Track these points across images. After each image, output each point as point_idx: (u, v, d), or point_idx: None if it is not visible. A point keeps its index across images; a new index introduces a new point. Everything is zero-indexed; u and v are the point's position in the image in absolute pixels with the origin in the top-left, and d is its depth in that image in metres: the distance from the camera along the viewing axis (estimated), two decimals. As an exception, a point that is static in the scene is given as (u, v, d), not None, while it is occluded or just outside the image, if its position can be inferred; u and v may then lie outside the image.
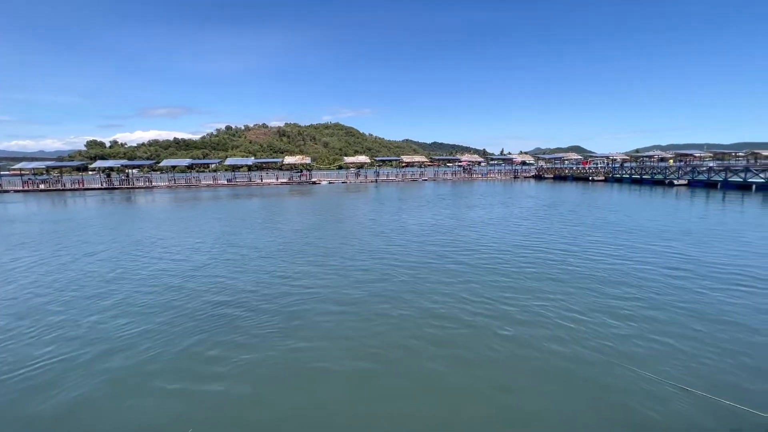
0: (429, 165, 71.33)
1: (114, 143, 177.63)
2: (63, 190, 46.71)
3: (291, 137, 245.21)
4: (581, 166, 63.60)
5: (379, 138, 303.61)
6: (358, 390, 4.39)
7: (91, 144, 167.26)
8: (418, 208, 21.45)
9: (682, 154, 76.09)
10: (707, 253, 9.79)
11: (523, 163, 69.04)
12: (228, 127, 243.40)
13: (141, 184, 51.47)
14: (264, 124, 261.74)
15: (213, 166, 78.70)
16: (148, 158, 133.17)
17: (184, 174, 61.25)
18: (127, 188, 48.43)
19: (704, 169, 36.28)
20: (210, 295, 7.59)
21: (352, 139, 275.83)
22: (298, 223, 16.83)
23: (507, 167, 66.89)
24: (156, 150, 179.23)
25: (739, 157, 79.46)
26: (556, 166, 64.31)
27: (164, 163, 60.95)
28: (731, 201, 21.78)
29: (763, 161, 67.81)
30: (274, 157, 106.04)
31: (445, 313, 6.41)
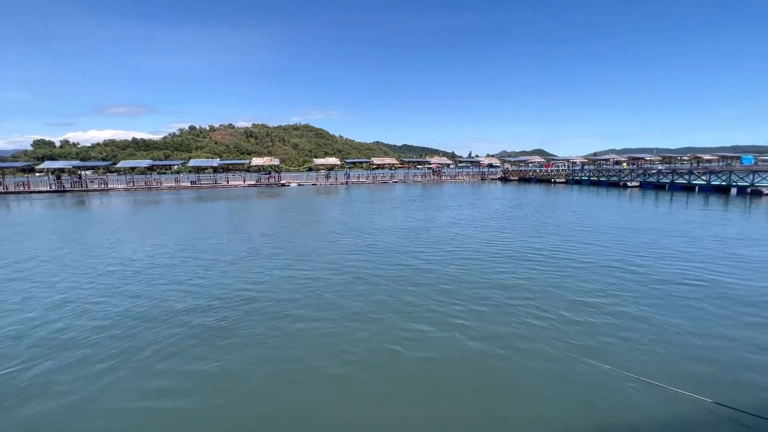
0: (399, 167, 71.88)
1: (65, 143, 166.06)
2: (5, 193, 43.04)
3: (259, 138, 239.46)
4: (544, 168, 66.36)
5: (350, 140, 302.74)
6: (338, 395, 4.35)
7: (38, 143, 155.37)
8: (391, 210, 21.56)
9: (634, 157, 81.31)
10: (660, 250, 10.50)
11: (490, 165, 71.08)
12: (192, 127, 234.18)
13: (95, 186, 48.32)
14: (230, 124, 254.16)
15: (175, 167, 75.19)
16: (103, 159, 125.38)
17: (143, 176, 58.18)
18: (80, 191, 45.36)
19: (654, 171, 39.15)
20: (172, 303, 7.25)
21: (322, 141, 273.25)
22: (267, 227, 16.45)
23: (475, 169, 68.69)
24: (113, 150, 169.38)
25: (683, 160, 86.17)
26: (521, 168, 66.77)
27: (122, 164, 57.62)
28: (677, 201, 23.52)
29: (704, 164, 73.75)
30: (241, 159, 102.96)
31: (420, 315, 6.48)
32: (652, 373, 4.50)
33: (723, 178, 30.03)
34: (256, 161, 59.80)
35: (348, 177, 58.75)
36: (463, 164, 77.23)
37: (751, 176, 27.51)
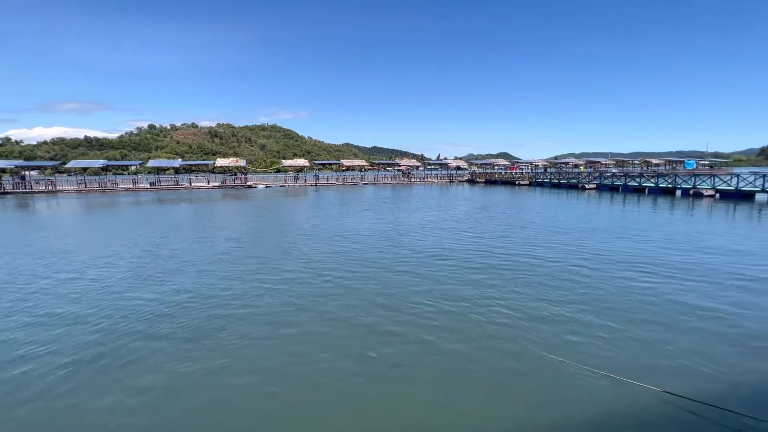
0: (369, 169, 71.99)
1: (6, 141, 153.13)
2: (-65, 195, 38.96)
3: (224, 138, 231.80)
4: (509, 171, 68.76)
5: (319, 141, 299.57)
6: (310, 402, 4.27)
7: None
8: (362, 213, 21.53)
9: (591, 161, 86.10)
10: (616, 248, 11.16)
11: (458, 168, 72.69)
12: (151, 126, 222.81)
13: (42, 188, 44.74)
14: (193, 123, 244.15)
15: (133, 168, 71.08)
16: (51, 158, 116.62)
17: (97, 176, 54.60)
18: (23, 192, 41.89)
19: (609, 175, 41.78)
20: (128, 313, 6.85)
21: (290, 142, 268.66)
22: (234, 230, 15.93)
23: (443, 172, 69.98)
24: (62, 149, 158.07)
25: (635, 164, 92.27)
26: (487, 171, 68.78)
27: (72, 164, 53.76)
28: (630, 202, 25.16)
29: (653, 168, 79.20)
30: (204, 159, 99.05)
31: (392, 317, 6.50)
32: (607, 366, 4.77)
33: (669, 181, 32.64)
34: (221, 162, 57.80)
35: (317, 179, 58.07)
36: (432, 166, 78.50)
37: (693, 179, 30.16)
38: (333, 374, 4.76)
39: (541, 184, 47.70)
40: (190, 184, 51.10)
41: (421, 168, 73.65)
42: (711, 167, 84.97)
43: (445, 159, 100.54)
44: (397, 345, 5.48)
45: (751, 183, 26.78)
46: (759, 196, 25.26)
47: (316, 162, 71.79)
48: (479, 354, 5.19)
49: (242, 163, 57.78)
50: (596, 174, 46.28)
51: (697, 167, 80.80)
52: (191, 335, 5.85)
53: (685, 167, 79.48)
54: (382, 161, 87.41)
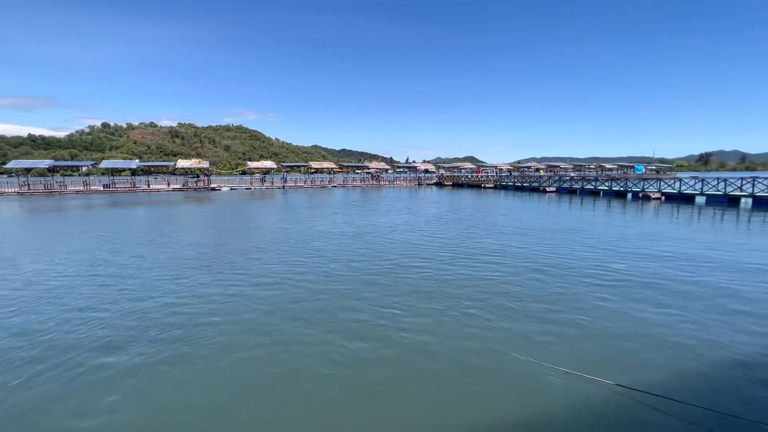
0: (338, 171, 71.48)
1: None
2: None
3: (186, 139, 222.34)
4: (475, 174, 70.67)
5: (287, 143, 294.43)
6: (272, 416, 4.16)
7: None
8: (332, 216, 21.33)
9: (551, 165, 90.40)
10: (575, 249, 11.75)
11: (426, 171, 73.81)
12: (105, 125, 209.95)
13: (-23, 190, 40.91)
14: (152, 123, 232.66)
15: (84, 169, 66.44)
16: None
17: (43, 178, 50.61)
18: (-45, 195, 38.05)
19: (567, 178, 44.11)
20: (78, 330, 6.40)
21: (257, 144, 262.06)
22: (197, 235, 15.29)
23: (412, 175, 70.82)
24: (1, 148, 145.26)
25: (591, 168, 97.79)
26: (454, 174, 70.34)
27: (13, 164, 49.48)
28: (587, 204, 26.65)
29: (606, 172, 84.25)
30: (164, 161, 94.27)
31: (359, 322, 6.48)
32: (567, 363, 5.01)
33: (621, 184, 34.94)
34: (183, 163, 55.37)
35: (285, 181, 56.95)
36: (401, 169, 79.28)
37: (642, 183, 32.58)
38: (300, 376, 4.68)
39: (505, 187, 49.45)
40: (149, 187, 48.51)
41: (390, 171, 74.17)
42: (657, 172, 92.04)
43: (414, 162, 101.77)
44: (364, 348, 5.47)
45: (691, 186, 29.20)
46: (699, 199, 27.51)
47: (284, 164, 70.41)
48: (444, 353, 5.29)
49: (205, 164, 55.68)
50: (556, 178, 48.68)
51: (645, 172, 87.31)
52: (148, 348, 5.55)
53: (635, 171, 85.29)
54: (351, 164, 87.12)
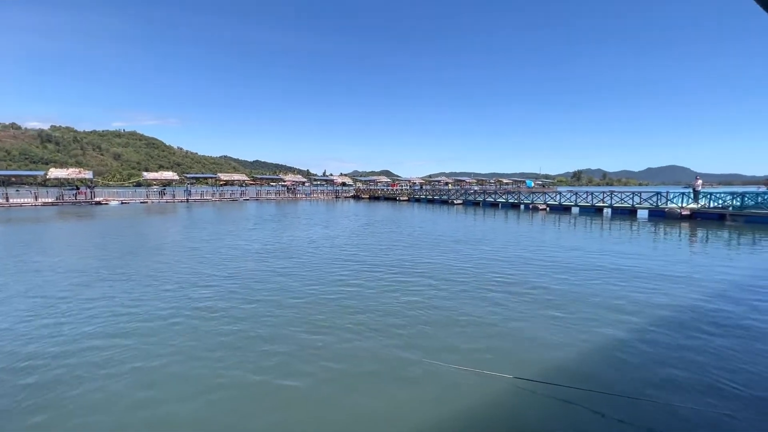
0: (251, 184, 67.76)
1: None
2: None
3: (62, 144, 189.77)
4: (390, 188, 73.40)
5: (192, 153, 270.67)
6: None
7: None
8: (246, 232, 20.05)
9: (458, 179, 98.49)
10: (480, 254, 12.93)
11: (343, 184, 74.30)
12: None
13: None
14: (14, 124, 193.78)
15: None
16: None
17: None
18: None
19: (472, 192, 48.92)
20: None
21: (155, 152, 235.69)
22: (74, 259, 13.05)
23: (329, 188, 70.66)
24: None
25: (491, 183, 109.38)
26: (371, 187, 72.09)
27: None
28: (488, 215, 29.75)
29: (504, 186, 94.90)
30: (31, 170, 78.60)
31: (277, 339, 6.22)
32: (471, 362, 5.50)
33: (515, 197, 40.08)
34: (57, 173, 46.95)
35: (189, 194, 51.97)
36: (318, 182, 78.49)
37: (531, 197, 38.03)
38: (224, 388, 4.31)
39: (418, 200, 52.43)
40: (7, 201, 39.97)
41: (307, 184, 72.83)
42: (543, 186, 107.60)
43: (331, 175, 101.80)
44: (283, 358, 5.27)
45: (568, 199, 34.94)
46: (574, 209, 33.02)
47: (188, 175, 64.39)
48: (367, 365, 5.38)
49: (87, 174, 48.03)
50: (462, 191, 53.38)
51: (534, 186, 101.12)
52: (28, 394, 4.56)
53: (526, 186, 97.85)
54: (265, 176, 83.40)
